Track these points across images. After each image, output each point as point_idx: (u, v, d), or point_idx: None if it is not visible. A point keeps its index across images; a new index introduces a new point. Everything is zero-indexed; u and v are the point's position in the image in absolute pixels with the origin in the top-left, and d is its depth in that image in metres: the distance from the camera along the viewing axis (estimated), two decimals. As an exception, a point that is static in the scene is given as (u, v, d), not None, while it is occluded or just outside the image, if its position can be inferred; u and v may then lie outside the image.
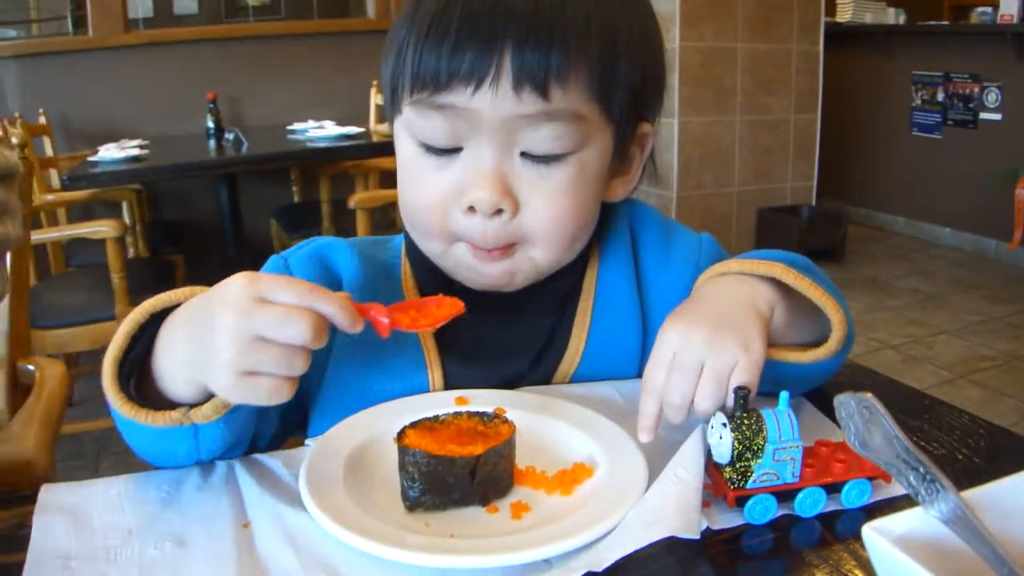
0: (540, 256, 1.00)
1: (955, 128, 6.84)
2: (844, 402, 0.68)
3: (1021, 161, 5.72)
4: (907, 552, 0.54)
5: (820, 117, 6.71)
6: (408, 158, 1.01)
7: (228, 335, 0.77)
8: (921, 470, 0.61)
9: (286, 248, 1.15)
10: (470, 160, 0.96)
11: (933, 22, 7.31)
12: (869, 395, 0.66)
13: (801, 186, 6.75)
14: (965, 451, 0.95)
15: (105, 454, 3.62)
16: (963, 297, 5.73)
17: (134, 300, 3.34)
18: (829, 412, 1.01)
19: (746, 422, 0.80)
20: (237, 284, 0.80)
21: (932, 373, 4.47)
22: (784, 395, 0.82)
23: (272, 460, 0.94)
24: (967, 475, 0.90)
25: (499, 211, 0.95)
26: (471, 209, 0.96)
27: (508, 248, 0.99)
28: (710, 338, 0.89)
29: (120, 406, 0.85)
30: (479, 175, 0.95)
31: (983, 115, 6.59)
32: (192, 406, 0.86)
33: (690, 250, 1.16)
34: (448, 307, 0.88)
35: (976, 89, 6.61)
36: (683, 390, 0.88)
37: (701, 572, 0.77)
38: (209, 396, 0.85)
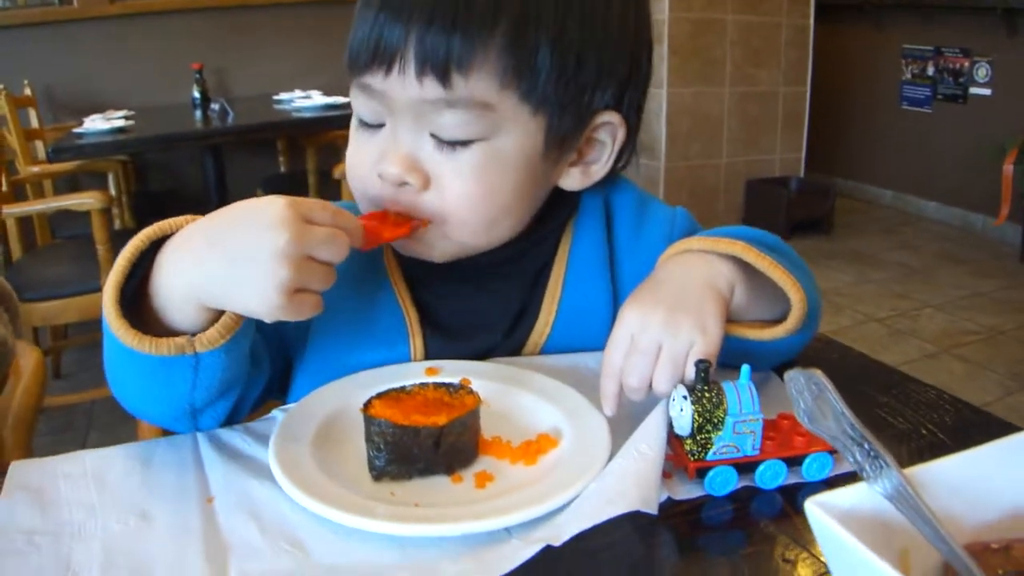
0: (454, 235, 1.03)
1: (945, 102, 6.84)
2: (794, 378, 0.69)
3: (1010, 136, 5.72)
4: (849, 526, 0.54)
5: (809, 89, 6.73)
6: (351, 127, 1.06)
7: (285, 255, 0.81)
8: (866, 446, 0.62)
9: None
10: (388, 135, 1.00)
11: (924, -5, 7.31)
12: (818, 372, 0.67)
13: (790, 158, 6.77)
14: (930, 426, 0.96)
15: (94, 427, 3.62)
16: (949, 271, 5.76)
17: (120, 271, 3.33)
18: None
19: (707, 395, 0.81)
20: (280, 206, 0.83)
21: (916, 347, 4.50)
22: (745, 368, 0.83)
23: (235, 433, 0.96)
24: (931, 450, 0.91)
25: (405, 183, 0.98)
26: (382, 177, 1.00)
27: (415, 222, 1.01)
28: (667, 320, 0.90)
29: (123, 334, 0.86)
30: (392, 150, 0.99)
31: (973, 90, 6.59)
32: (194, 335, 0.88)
33: (663, 224, 1.18)
34: (400, 222, 0.98)
35: (966, 64, 6.61)
36: (641, 372, 0.89)
37: (662, 541, 0.79)
38: (210, 324, 0.88)
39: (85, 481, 0.86)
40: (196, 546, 0.75)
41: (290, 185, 4.93)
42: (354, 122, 1.05)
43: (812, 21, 6.61)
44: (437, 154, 0.98)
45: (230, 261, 0.83)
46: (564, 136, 1.03)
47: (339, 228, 0.86)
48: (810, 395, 0.67)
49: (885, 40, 7.28)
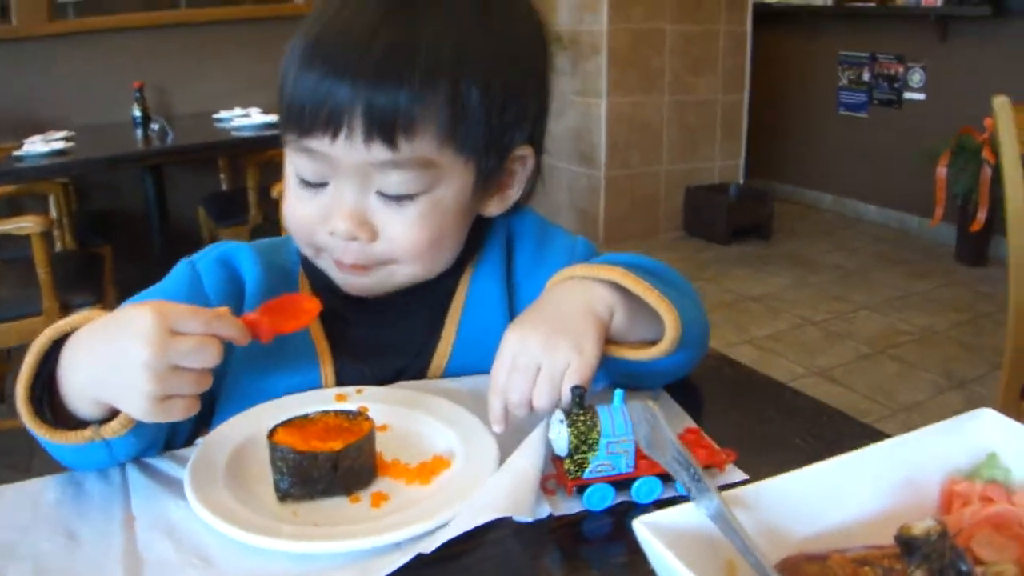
0: (403, 271, 1.10)
1: (880, 107, 6.98)
2: (634, 407, 0.76)
3: (943, 140, 5.84)
4: (677, 542, 0.60)
5: (748, 97, 6.84)
6: (289, 180, 1.10)
7: (147, 368, 0.85)
8: (690, 471, 0.68)
9: (215, 238, 1.23)
10: (333, 194, 1.05)
11: (859, 3, 7.42)
12: (651, 402, 0.73)
13: (729, 165, 6.87)
14: (809, 437, 1.03)
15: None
16: (885, 273, 5.87)
17: (61, 294, 3.36)
18: (693, 403, 1.10)
19: (581, 418, 0.87)
20: (147, 317, 0.86)
21: (851, 348, 4.59)
22: (619, 393, 0.89)
23: (161, 460, 1.01)
24: (806, 460, 0.97)
25: (355, 238, 1.05)
26: (332, 233, 1.06)
27: (368, 267, 1.09)
28: (546, 341, 0.97)
29: (35, 429, 0.93)
30: (339, 208, 1.05)
31: (907, 95, 6.73)
32: (102, 422, 0.92)
33: (562, 253, 1.23)
34: (307, 308, 0.99)
35: (901, 69, 6.74)
36: (522, 390, 0.96)
37: (543, 554, 0.85)
38: (116, 412, 0.92)
39: (21, 506, 0.93)
40: (115, 562, 0.82)
41: (231, 203, 4.93)
42: (292, 178, 1.09)
43: (749, 28, 6.72)
44: (383, 208, 1.05)
45: (106, 369, 0.88)
46: (489, 174, 1.10)
47: (213, 334, 0.88)
48: (647, 424, 0.73)
49: (822, 47, 7.40)
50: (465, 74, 1.01)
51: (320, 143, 1.01)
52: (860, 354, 4.53)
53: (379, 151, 0.99)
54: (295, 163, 1.07)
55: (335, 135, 0.99)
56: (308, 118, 1.00)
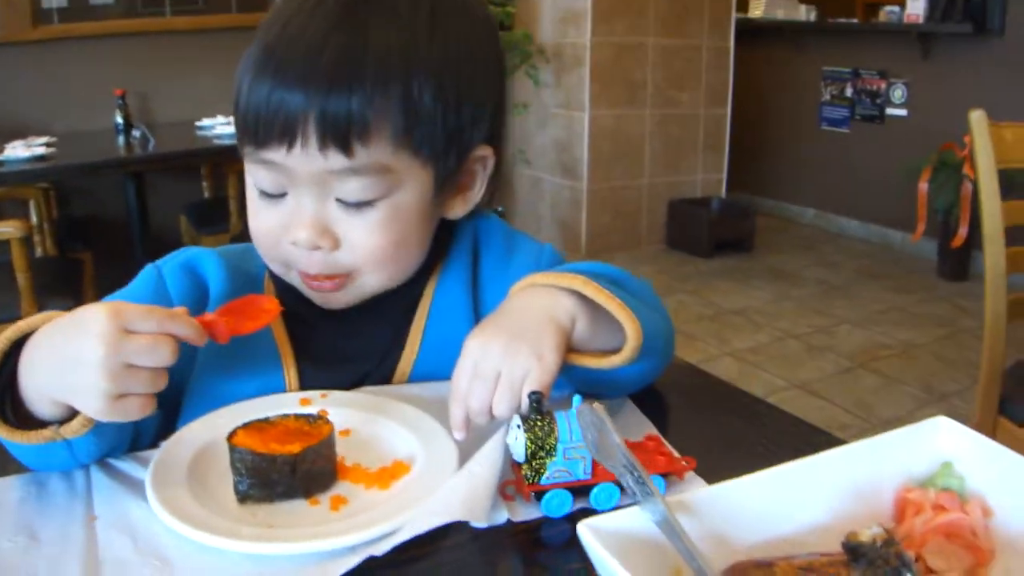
0: (369, 281, 1.11)
1: (863, 123, 7.03)
2: (582, 411, 0.76)
3: (924, 155, 5.87)
4: (623, 547, 0.60)
5: (731, 111, 6.87)
6: (250, 192, 1.11)
7: (101, 365, 0.85)
8: (635, 475, 0.68)
9: (196, 245, 1.23)
10: (293, 204, 1.05)
11: (843, 19, 7.47)
12: (598, 405, 0.73)
13: (711, 178, 6.90)
14: (773, 447, 1.03)
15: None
16: (867, 287, 5.90)
17: (41, 300, 3.35)
18: (657, 411, 1.10)
19: (539, 424, 0.87)
20: (101, 316, 0.86)
21: (832, 362, 4.61)
22: (577, 398, 0.88)
23: (124, 462, 1.01)
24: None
25: (318, 247, 1.05)
26: (295, 243, 1.06)
27: (336, 278, 1.09)
28: (506, 348, 0.96)
29: None
30: (300, 218, 1.05)
31: (889, 110, 6.78)
32: (62, 422, 0.92)
33: (529, 260, 1.24)
34: (267, 308, 1.00)
35: (883, 85, 6.79)
36: (482, 397, 0.95)
37: (501, 560, 0.85)
38: (76, 412, 0.91)
39: (-18, 506, 0.92)
40: (74, 560, 0.82)
41: (213, 211, 4.97)
42: (252, 191, 1.09)
43: (732, 44, 6.75)
44: (344, 215, 1.05)
45: (62, 368, 0.88)
46: (448, 176, 1.10)
47: (168, 333, 0.89)
48: (595, 428, 0.73)
49: (805, 62, 7.45)
50: (416, 76, 1.01)
51: (276, 154, 1.01)
52: (841, 368, 4.54)
53: (335, 159, 0.99)
54: (254, 175, 1.07)
55: (290, 145, 0.99)
56: (263, 130, 1.00)
